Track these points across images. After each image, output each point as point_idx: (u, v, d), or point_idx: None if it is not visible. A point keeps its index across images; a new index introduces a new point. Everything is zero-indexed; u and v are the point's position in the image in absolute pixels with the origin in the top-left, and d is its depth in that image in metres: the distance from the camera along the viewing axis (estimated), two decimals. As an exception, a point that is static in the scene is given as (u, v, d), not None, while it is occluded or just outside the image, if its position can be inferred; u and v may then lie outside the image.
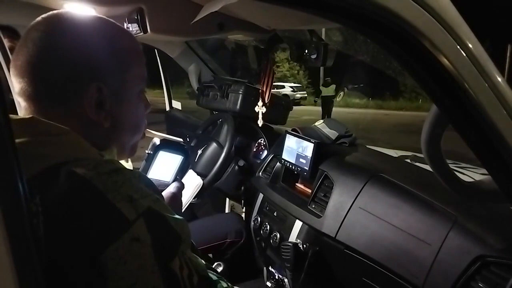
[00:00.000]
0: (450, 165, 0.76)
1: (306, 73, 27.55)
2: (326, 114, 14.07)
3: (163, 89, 2.80)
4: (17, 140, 0.52)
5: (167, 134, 2.84)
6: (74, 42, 0.58)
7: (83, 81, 0.58)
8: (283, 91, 21.17)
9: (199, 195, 1.64)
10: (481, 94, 0.60)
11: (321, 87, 14.41)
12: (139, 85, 0.66)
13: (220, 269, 1.48)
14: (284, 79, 25.45)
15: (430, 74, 0.61)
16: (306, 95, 22.95)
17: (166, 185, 0.87)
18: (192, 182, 1.69)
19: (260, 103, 1.47)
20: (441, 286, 0.95)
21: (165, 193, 0.83)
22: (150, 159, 0.85)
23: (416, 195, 1.14)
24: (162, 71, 2.70)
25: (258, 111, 1.49)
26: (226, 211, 2.29)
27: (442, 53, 0.58)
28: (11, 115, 0.57)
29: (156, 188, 0.60)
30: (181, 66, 2.14)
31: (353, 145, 1.63)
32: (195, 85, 2.08)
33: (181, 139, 2.02)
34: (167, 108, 2.81)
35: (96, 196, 0.50)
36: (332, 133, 1.63)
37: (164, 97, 2.80)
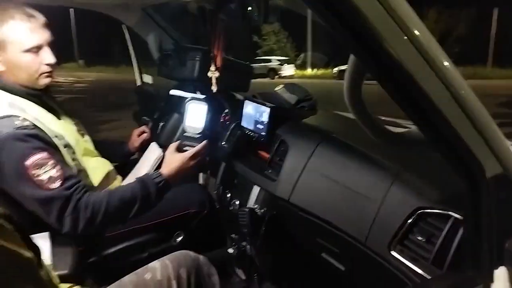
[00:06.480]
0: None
1: (294, 45, 27.13)
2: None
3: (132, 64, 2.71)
4: None
5: (139, 109, 2.78)
6: None
7: None
8: (270, 65, 20.92)
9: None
10: (397, 45, 0.57)
11: None
12: None
13: (179, 238, 1.47)
14: (271, 52, 25.09)
15: (343, 21, 0.58)
16: (294, 68, 22.61)
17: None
18: (153, 154, 1.66)
19: (212, 67, 1.42)
20: (382, 240, 0.95)
21: None
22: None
23: (363, 153, 1.13)
24: (132, 45, 2.59)
25: (211, 76, 1.45)
26: (200, 182, 2.28)
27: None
28: None
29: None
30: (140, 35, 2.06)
31: (313, 109, 1.60)
32: (155, 54, 2.01)
33: None
34: (138, 83, 2.73)
35: None
36: (292, 98, 1.60)
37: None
